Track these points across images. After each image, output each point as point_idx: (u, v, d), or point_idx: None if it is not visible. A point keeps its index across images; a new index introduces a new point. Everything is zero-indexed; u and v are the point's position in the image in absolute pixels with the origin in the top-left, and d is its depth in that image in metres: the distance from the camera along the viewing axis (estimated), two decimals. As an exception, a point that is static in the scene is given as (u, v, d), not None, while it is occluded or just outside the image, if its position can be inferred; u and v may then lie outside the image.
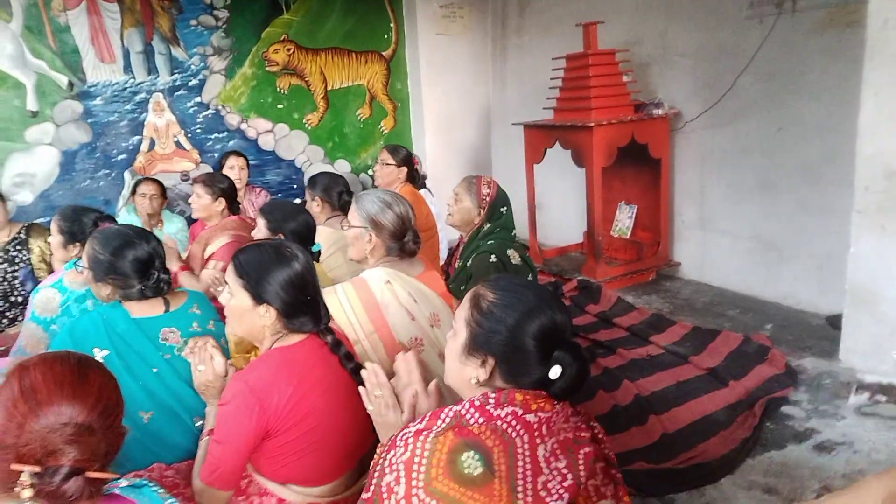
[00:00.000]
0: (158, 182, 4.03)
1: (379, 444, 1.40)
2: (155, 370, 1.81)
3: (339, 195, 3.20)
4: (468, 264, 2.74)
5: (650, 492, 2.09)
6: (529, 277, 2.88)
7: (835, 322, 3.10)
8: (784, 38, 3.45)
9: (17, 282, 3.29)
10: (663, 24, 4.15)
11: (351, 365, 1.61)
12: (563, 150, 4.21)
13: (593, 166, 3.95)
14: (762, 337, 3.16)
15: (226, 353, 1.76)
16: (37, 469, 0.96)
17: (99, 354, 1.75)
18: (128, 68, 4.47)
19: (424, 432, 1.10)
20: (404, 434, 1.13)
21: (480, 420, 1.11)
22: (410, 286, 1.91)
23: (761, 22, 3.54)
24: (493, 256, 2.66)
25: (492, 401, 1.14)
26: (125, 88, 4.48)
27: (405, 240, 2.07)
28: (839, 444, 2.30)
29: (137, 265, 1.85)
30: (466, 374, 1.21)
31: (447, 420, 1.12)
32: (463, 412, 1.13)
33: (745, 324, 3.44)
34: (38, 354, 1.10)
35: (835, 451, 2.26)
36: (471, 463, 1.05)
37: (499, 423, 1.10)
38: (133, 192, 4.02)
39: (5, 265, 3.27)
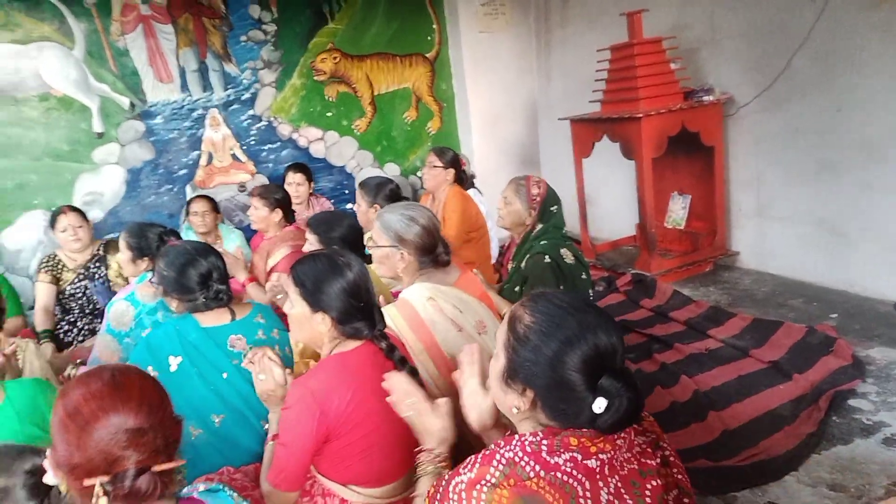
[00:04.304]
0: (208, 198, 4.04)
1: (424, 451, 1.42)
2: (225, 375, 1.93)
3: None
4: (522, 266, 2.74)
5: (711, 490, 2.07)
6: (583, 276, 2.86)
7: (905, 309, 2.98)
8: (838, 15, 3.32)
9: (94, 297, 3.47)
10: (710, 6, 4.04)
11: (405, 369, 1.67)
12: (612, 142, 4.16)
13: (643, 158, 3.89)
14: (827, 327, 3.05)
15: (286, 361, 1.84)
16: (106, 479, 1.03)
17: (174, 362, 1.90)
18: (184, 87, 4.66)
19: (478, 485, 1.02)
20: (456, 485, 1.05)
21: (538, 469, 1.02)
22: (453, 297, 1.89)
23: (814, 0, 3.41)
24: (547, 257, 2.65)
25: (545, 446, 1.04)
26: (183, 106, 4.67)
27: (437, 252, 2.03)
28: (911, 437, 2.22)
29: (199, 279, 1.98)
30: (508, 402, 1.13)
31: (501, 468, 1.03)
32: (517, 460, 1.04)
33: (809, 314, 3.34)
34: (75, 377, 1.18)
35: (906, 445, 2.18)
36: None
37: (558, 474, 1.02)
38: (187, 212, 4.05)
39: (86, 282, 3.45)
